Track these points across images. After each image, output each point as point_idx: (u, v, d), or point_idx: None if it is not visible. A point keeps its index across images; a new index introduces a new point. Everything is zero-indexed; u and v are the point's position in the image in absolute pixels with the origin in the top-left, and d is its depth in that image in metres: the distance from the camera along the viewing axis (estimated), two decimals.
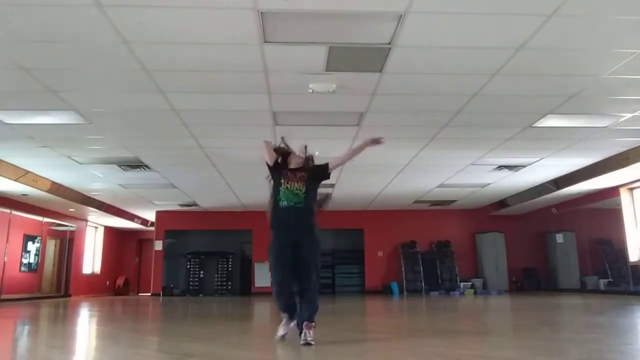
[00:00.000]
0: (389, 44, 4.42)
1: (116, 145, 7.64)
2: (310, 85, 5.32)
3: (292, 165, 3.95)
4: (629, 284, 11.22)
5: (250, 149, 7.91)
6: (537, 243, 14.63)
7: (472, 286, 14.07)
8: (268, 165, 4.01)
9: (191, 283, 14.83)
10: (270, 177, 4.00)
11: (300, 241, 3.74)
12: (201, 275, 14.88)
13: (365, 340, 4.39)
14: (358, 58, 4.73)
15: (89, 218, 15.17)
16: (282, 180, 3.84)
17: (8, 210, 11.56)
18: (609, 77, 5.15)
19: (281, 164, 3.97)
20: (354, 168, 9.24)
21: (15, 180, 9.10)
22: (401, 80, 5.26)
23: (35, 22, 3.97)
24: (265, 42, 4.36)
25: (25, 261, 13.12)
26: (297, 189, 3.78)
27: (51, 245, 14.54)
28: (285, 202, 3.76)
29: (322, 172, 3.97)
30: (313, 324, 3.62)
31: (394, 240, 14.76)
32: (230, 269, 14.91)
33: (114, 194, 11.98)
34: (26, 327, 5.88)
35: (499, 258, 14.39)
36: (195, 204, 13.59)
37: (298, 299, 3.78)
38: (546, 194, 11.25)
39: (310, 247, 3.76)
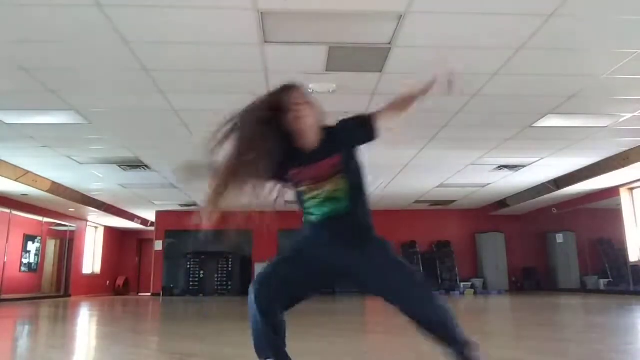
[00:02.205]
0: (389, 44, 4.42)
1: (116, 145, 7.64)
2: (310, 85, 5.32)
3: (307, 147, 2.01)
4: (629, 284, 11.20)
5: None
6: (537, 243, 14.62)
7: (472, 286, 14.07)
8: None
9: (191, 283, 14.81)
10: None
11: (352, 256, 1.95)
12: (201, 275, 14.87)
13: (365, 340, 4.39)
14: (358, 58, 4.73)
15: (89, 218, 15.17)
16: (300, 187, 2.02)
17: (8, 210, 11.56)
18: (609, 77, 5.15)
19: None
20: None
21: (15, 180, 9.10)
22: (401, 80, 5.25)
23: (35, 22, 3.97)
24: (265, 42, 4.36)
25: (25, 261, 13.12)
26: (330, 192, 1.97)
27: (51, 245, 14.54)
28: (317, 214, 2.00)
29: (359, 128, 2.09)
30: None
31: (394, 240, 14.73)
32: (230, 269, 14.91)
33: (114, 194, 11.98)
34: (26, 327, 5.88)
35: (499, 258, 14.38)
36: (195, 204, 13.58)
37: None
38: (546, 194, 11.25)
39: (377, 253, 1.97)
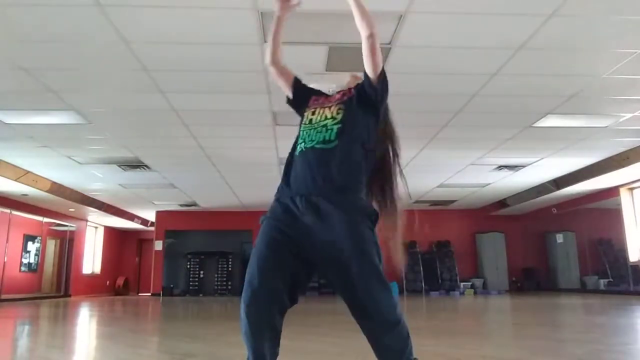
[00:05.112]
0: (389, 44, 4.42)
1: (116, 145, 7.64)
2: (310, 85, 5.32)
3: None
4: (629, 284, 11.21)
5: (250, 148, 7.91)
6: (537, 243, 14.63)
7: (472, 286, 14.08)
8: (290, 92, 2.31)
9: (191, 283, 14.83)
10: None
11: (324, 215, 1.72)
12: (201, 275, 14.88)
13: (365, 340, 4.39)
14: (358, 58, 4.71)
15: (89, 218, 15.17)
16: (307, 111, 2.08)
17: (8, 210, 11.56)
18: (609, 77, 5.15)
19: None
20: None
21: (15, 180, 9.10)
22: (401, 80, 5.25)
23: (35, 22, 3.97)
24: (265, 42, 4.36)
25: (25, 261, 13.12)
26: (326, 118, 1.95)
27: (51, 245, 14.54)
28: (304, 144, 1.89)
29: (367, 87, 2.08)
30: None
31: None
32: (230, 269, 14.93)
33: (114, 194, 11.98)
34: (26, 327, 5.88)
35: (499, 258, 14.39)
36: (195, 204, 13.59)
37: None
38: (546, 194, 11.25)
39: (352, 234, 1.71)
